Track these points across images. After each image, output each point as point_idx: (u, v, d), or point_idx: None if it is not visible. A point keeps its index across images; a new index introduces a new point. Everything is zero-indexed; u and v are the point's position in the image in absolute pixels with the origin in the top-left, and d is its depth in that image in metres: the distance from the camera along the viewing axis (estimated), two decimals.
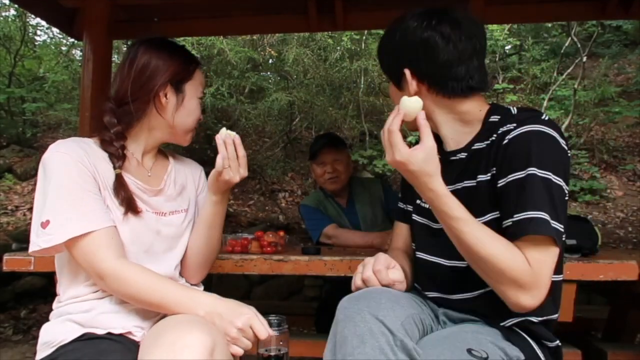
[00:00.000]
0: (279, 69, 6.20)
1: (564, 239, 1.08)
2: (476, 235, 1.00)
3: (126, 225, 1.20)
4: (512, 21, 4.80)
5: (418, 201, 1.29)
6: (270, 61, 6.31)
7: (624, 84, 7.37)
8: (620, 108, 6.45)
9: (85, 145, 1.22)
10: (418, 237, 1.30)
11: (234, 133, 1.25)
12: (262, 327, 1.09)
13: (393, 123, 1.03)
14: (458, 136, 1.19)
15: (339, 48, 5.91)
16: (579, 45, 6.54)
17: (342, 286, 2.42)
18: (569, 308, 1.58)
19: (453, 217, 1.02)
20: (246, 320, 1.08)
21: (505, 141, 1.07)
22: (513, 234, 1.02)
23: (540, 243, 1.01)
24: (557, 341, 1.16)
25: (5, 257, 1.68)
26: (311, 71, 5.86)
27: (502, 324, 1.11)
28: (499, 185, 1.07)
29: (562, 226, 1.01)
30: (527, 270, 0.99)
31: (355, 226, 2.51)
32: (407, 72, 1.16)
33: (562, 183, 1.02)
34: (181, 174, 1.41)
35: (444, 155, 1.20)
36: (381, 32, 6.72)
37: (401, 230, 1.41)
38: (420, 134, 1.02)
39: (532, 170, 1.01)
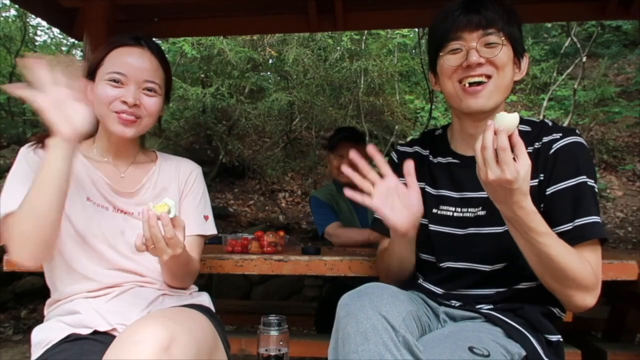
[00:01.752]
0: (279, 69, 6.20)
1: None
2: (557, 246, 1.03)
3: (86, 213, 1.22)
4: None
5: (435, 210, 1.27)
6: (270, 61, 6.31)
7: (624, 84, 7.38)
8: (620, 108, 6.46)
9: None
10: (439, 246, 1.26)
11: (166, 209, 1.06)
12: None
13: (502, 140, 0.94)
14: None
15: (339, 48, 5.91)
16: (579, 45, 6.54)
17: (342, 286, 2.42)
18: None
19: (539, 232, 1.02)
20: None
21: (554, 149, 1.14)
22: (578, 237, 1.09)
23: (595, 245, 1.11)
24: (559, 336, 1.17)
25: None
26: (311, 71, 5.86)
27: (527, 312, 1.16)
28: (549, 192, 1.13)
29: None
30: (592, 274, 1.07)
31: (364, 223, 2.51)
32: (528, 57, 1.21)
33: None
34: (165, 176, 1.38)
35: (466, 160, 1.24)
36: (381, 32, 6.69)
37: None
38: (517, 150, 0.97)
39: (588, 179, 1.11)
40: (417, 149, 1.37)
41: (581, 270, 1.05)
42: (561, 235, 1.08)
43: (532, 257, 1.07)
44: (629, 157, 6.35)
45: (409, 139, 6.00)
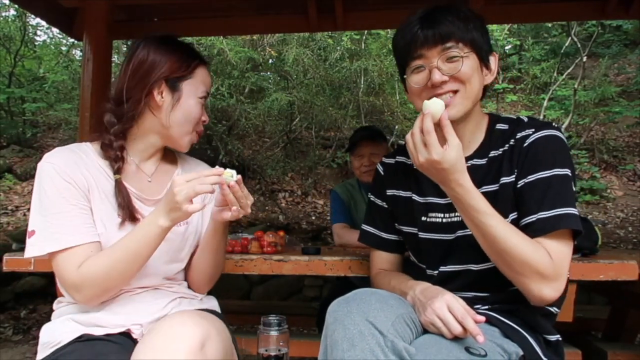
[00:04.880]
0: (279, 69, 6.20)
1: None
2: (501, 228, 1.05)
3: (118, 232, 1.17)
4: (512, 21, 4.80)
5: (424, 218, 1.26)
6: (270, 61, 6.31)
7: (624, 84, 7.38)
8: (621, 108, 6.46)
9: (81, 154, 1.21)
10: (431, 253, 1.26)
11: (234, 172, 1.13)
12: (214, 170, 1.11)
13: (427, 124, 1.02)
14: (469, 140, 1.22)
15: (339, 48, 5.91)
16: (579, 45, 6.55)
17: (347, 284, 2.40)
18: (569, 308, 1.58)
19: (481, 211, 1.05)
20: (191, 184, 1.07)
21: (526, 144, 1.13)
22: (540, 230, 1.07)
23: (562, 237, 1.07)
24: (558, 335, 1.17)
25: (5, 257, 1.68)
26: (311, 71, 5.86)
27: (525, 311, 1.15)
28: (519, 185, 1.12)
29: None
30: (549, 262, 1.04)
31: None
32: (496, 55, 1.20)
33: (574, 186, 1.11)
34: None
35: None
36: (381, 32, 6.69)
37: (382, 256, 1.40)
38: (446, 133, 1.03)
39: (558, 170, 1.09)
40: (400, 158, 1.36)
41: (532, 256, 1.03)
42: (525, 227, 1.08)
43: (481, 240, 1.08)
44: (630, 157, 6.35)
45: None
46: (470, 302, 1.18)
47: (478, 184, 1.12)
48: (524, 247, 1.03)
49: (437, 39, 1.12)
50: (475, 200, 1.04)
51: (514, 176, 1.14)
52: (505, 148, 1.17)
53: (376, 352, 0.94)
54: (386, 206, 1.37)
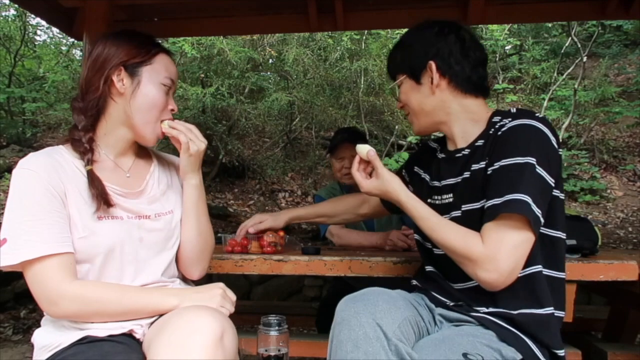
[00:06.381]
0: (279, 69, 6.20)
1: (560, 235, 1.17)
2: (432, 226, 1.19)
3: (104, 231, 1.16)
4: (512, 21, 4.80)
5: (429, 200, 1.33)
6: (270, 61, 6.31)
7: (624, 84, 7.38)
8: (621, 108, 6.45)
9: (57, 157, 1.19)
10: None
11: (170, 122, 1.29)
12: (233, 294, 1.23)
13: (353, 167, 1.31)
14: (467, 134, 1.28)
15: (339, 48, 5.91)
16: (579, 45, 6.55)
17: (344, 285, 2.39)
18: (569, 308, 1.57)
19: (418, 216, 1.22)
20: (220, 298, 1.17)
21: (500, 132, 1.17)
22: (487, 216, 1.10)
23: (506, 221, 1.07)
24: (563, 350, 1.14)
25: None
26: (311, 71, 5.86)
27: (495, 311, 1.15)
28: (488, 172, 1.15)
29: (540, 212, 1.06)
30: (478, 247, 1.09)
31: (368, 224, 2.50)
32: (432, 64, 1.25)
33: (544, 175, 1.09)
34: (166, 172, 1.38)
35: (449, 153, 1.32)
36: (381, 32, 6.68)
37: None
38: (374, 166, 1.28)
39: (520, 159, 1.09)
40: (433, 145, 1.46)
41: (459, 243, 1.12)
42: (483, 214, 1.13)
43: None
44: (630, 157, 6.35)
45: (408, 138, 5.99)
46: (472, 300, 1.19)
47: (458, 172, 1.27)
48: (453, 237, 1.14)
49: (391, 77, 1.40)
50: (413, 210, 1.22)
51: (484, 163, 1.17)
52: (487, 138, 1.21)
53: (380, 355, 0.94)
54: (407, 179, 1.49)
